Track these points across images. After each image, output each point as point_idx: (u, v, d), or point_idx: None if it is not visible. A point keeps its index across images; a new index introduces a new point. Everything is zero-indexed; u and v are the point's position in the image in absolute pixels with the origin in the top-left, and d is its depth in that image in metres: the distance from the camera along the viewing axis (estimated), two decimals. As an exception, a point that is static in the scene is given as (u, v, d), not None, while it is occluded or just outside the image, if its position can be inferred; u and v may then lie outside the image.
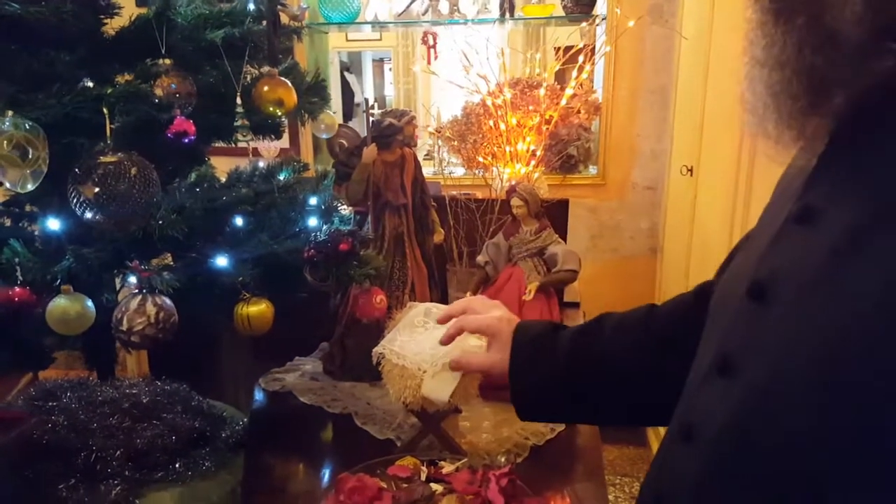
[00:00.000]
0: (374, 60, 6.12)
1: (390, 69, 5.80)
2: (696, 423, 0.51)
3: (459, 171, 2.34)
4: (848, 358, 0.39)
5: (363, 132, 4.31)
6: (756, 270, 0.49)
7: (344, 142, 2.22)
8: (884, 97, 0.42)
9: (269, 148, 1.34)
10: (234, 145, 1.25)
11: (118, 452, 1.12)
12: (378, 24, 2.40)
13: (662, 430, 1.99)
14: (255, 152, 1.38)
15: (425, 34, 4.28)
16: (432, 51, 4.29)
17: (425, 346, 1.03)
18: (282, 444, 1.21)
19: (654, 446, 2.52)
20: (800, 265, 0.45)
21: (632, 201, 2.67)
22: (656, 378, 0.74)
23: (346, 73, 5.22)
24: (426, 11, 2.24)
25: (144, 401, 1.24)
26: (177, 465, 1.14)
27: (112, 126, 0.87)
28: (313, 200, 1.16)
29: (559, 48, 2.21)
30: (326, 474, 1.13)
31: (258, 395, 1.35)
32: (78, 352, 1.26)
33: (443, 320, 0.92)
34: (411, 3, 2.24)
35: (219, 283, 1.00)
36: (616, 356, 0.78)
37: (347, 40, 4.94)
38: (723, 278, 0.59)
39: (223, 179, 1.31)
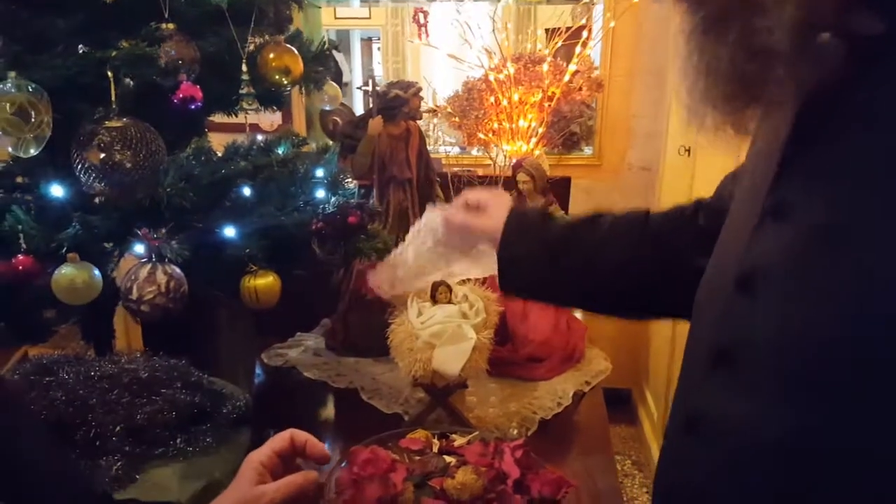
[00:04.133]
0: (362, 39, 6.04)
1: (378, 48, 5.72)
2: (700, 416, 0.52)
3: (454, 151, 2.32)
4: (833, 344, 0.41)
5: (356, 110, 4.26)
6: (740, 263, 0.50)
7: (338, 119, 2.19)
8: (840, 91, 0.43)
9: (272, 123, 1.32)
10: (234, 116, 1.23)
11: (118, 428, 1.10)
12: (372, 1, 2.35)
13: (654, 410, 2.01)
14: (252, 127, 1.35)
15: (416, 12, 4.22)
16: (423, 29, 4.25)
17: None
18: (286, 418, 1.19)
19: (646, 425, 2.54)
20: (779, 259, 0.46)
21: (627, 182, 2.67)
22: (642, 275, 0.78)
23: (334, 52, 5.15)
24: (422, -14, 2.20)
25: (143, 376, 1.21)
26: (177, 441, 1.12)
27: (117, 91, 0.84)
28: (319, 173, 1.14)
29: (549, 30, 2.19)
30: (335, 449, 1.12)
31: (261, 370, 1.33)
32: (75, 326, 1.23)
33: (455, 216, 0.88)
34: (408, -22, 2.20)
35: (225, 255, 0.98)
36: (606, 248, 0.79)
37: (336, 18, 4.86)
38: (707, 269, 0.59)
39: (219, 153, 1.28)
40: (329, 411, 1.24)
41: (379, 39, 5.62)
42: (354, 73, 5.79)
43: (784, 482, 0.45)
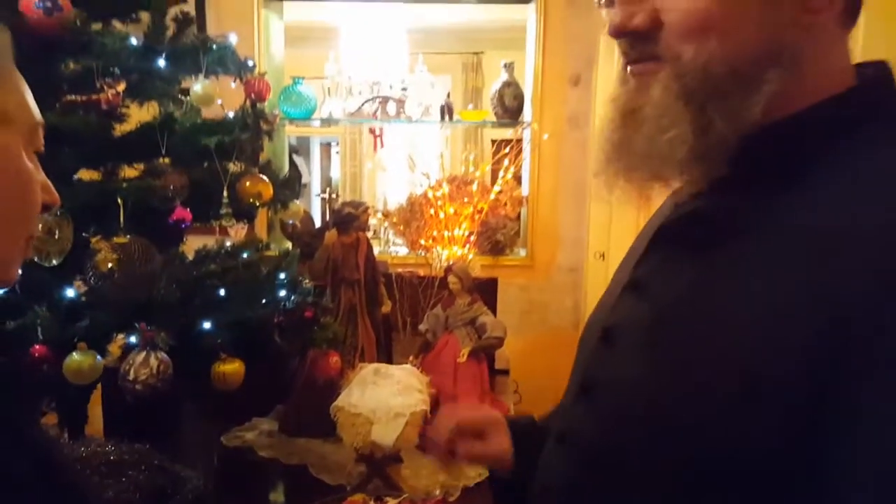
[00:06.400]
0: (321, 144, 6.44)
1: (337, 153, 6.11)
2: (569, 431, 0.67)
3: (402, 251, 2.59)
4: (665, 393, 0.54)
5: (312, 211, 4.50)
6: (606, 319, 0.66)
7: (296, 222, 2.44)
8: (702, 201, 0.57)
9: (239, 227, 1.55)
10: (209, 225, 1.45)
11: (87, 507, 1.23)
12: (332, 121, 2.68)
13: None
14: (221, 231, 1.58)
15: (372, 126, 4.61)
16: (378, 140, 4.63)
17: (376, 398, 1.23)
18: (244, 494, 1.35)
19: None
20: (630, 321, 0.62)
21: (557, 281, 2.97)
22: None
23: (294, 156, 5.49)
24: (376, 112, 2.54)
25: (112, 459, 1.36)
26: (140, 522, 1.25)
27: (124, 213, 1.06)
28: (282, 275, 1.36)
29: (495, 141, 2.55)
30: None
31: (220, 451, 1.48)
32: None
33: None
34: (363, 105, 2.54)
35: (200, 344, 1.18)
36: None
37: (297, 126, 5.23)
38: (588, 319, 0.75)
39: (190, 256, 1.49)
40: (282, 486, 1.40)
41: (337, 144, 6.01)
42: (313, 175, 6.13)
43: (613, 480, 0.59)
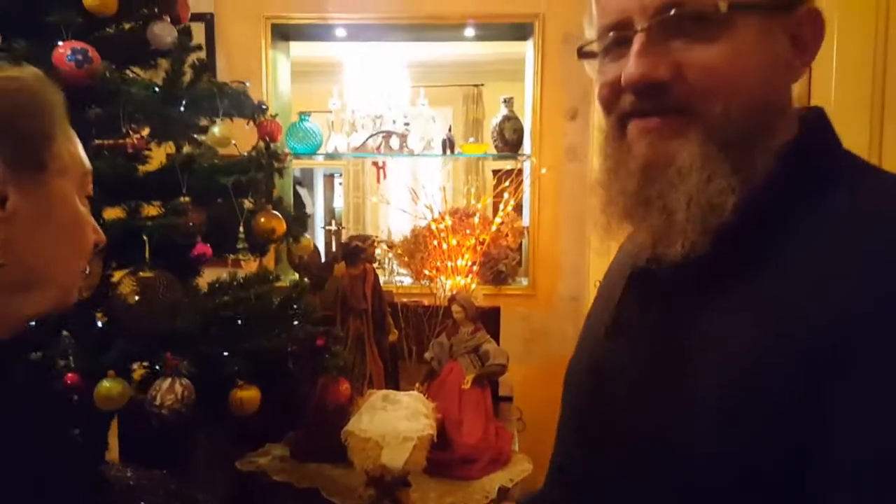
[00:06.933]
0: (324, 175, 6.55)
1: (340, 184, 6.22)
2: (565, 466, 0.72)
3: (407, 281, 2.66)
4: (659, 424, 0.57)
5: (317, 242, 4.59)
6: (592, 359, 0.70)
7: (303, 255, 2.51)
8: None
9: (251, 262, 1.62)
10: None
11: (106, 530, 1.28)
12: (337, 156, 2.78)
13: None
14: (234, 264, 1.65)
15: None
16: (381, 172, 4.73)
17: (385, 423, 1.29)
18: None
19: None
20: (619, 359, 0.66)
21: (559, 310, 3.02)
22: None
23: (297, 187, 5.60)
24: (379, 146, 2.63)
25: (131, 484, 1.42)
26: (157, 544, 1.30)
27: (150, 249, 1.14)
28: (294, 306, 1.43)
29: (497, 171, 2.63)
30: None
31: (235, 476, 1.53)
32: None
33: None
34: (367, 140, 2.64)
35: (219, 372, 1.24)
36: None
37: (302, 159, 5.35)
38: (572, 357, 0.79)
39: (204, 288, 1.56)
40: (294, 509, 1.45)
41: (341, 175, 6.12)
42: (317, 206, 6.23)
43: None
